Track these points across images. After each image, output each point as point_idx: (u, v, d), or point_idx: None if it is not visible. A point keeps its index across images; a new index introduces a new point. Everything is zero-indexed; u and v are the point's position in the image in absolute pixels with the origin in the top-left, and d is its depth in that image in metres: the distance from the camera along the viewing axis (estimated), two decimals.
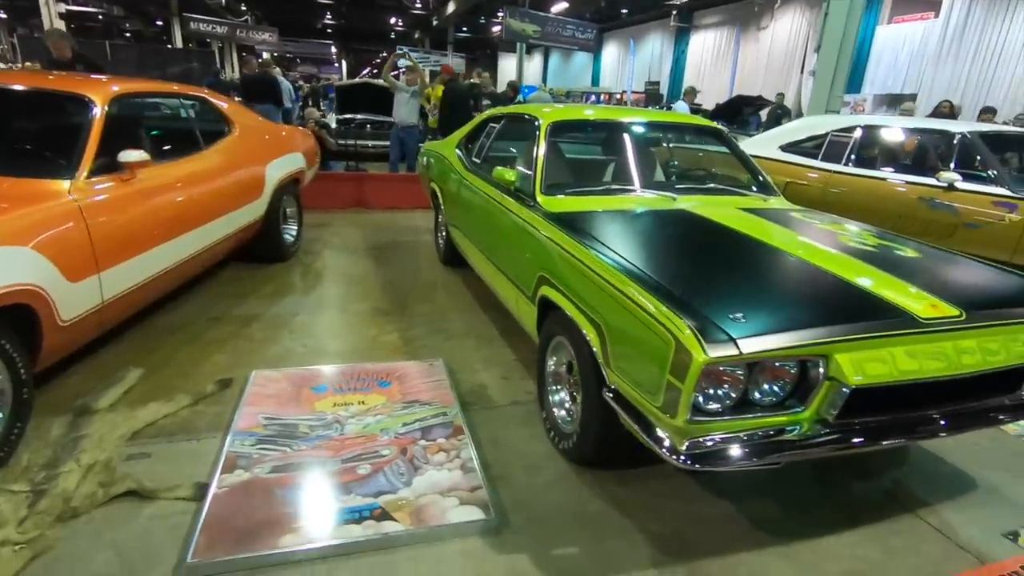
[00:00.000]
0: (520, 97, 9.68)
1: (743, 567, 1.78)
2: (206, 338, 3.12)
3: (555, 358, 2.37)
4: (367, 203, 6.80)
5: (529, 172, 2.88)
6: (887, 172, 4.52)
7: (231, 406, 2.44)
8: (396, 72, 8.53)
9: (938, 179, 4.07)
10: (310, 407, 2.45)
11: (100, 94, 2.67)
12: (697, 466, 1.56)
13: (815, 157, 4.99)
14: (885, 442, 1.69)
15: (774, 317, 1.63)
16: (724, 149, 3.42)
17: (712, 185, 3.07)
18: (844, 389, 1.58)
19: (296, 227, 4.78)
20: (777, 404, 1.65)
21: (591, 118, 3.38)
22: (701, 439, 1.60)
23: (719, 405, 1.59)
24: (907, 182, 4.34)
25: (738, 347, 1.49)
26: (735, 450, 1.59)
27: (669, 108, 11.86)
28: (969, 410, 1.79)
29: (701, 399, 1.56)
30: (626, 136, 3.29)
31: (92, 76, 3.35)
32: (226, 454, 2.09)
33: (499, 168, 2.96)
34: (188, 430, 2.29)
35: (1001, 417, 1.85)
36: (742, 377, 1.58)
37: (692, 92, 10.98)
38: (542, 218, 2.53)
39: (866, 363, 1.59)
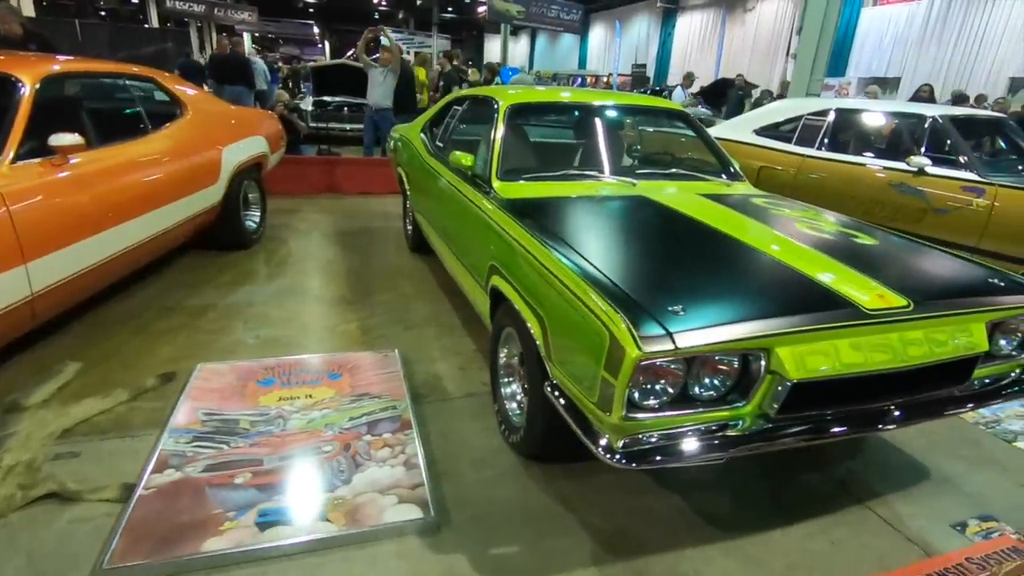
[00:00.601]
0: (497, 79, 9.47)
1: (686, 563, 1.74)
2: (154, 329, 3.01)
3: (506, 349, 2.30)
4: (339, 188, 6.66)
5: (486, 157, 2.79)
6: (859, 157, 4.47)
7: (172, 401, 2.35)
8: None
9: (908, 164, 4.03)
10: (254, 401, 2.37)
11: (29, 74, 2.52)
12: (633, 465, 1.51)
13: (789, 141, 4.93)
14: (828, 436, 1.64)
15: (715, 310, 1.56)
16: (690, 132, 3.34)
17: (675, 170, 2.99)
18: (785, 383, 1.53)
19: (259, 213, 4.65)
20: (718, 399, 1.59)
21: (552, 101, 3.28)
22: (640, 436, 1.55)
23: (657, 401, 1.53)
24: (878, 167, 4.29)
25: (674, 342, 1.43)
26: (673, 447, 1.54)
27: (669, 95, 11.69)
28: (917, 402, 1.75)
29: (637, 395, 1.50)
30: (588, 120, 3.20)
31: (26, 55, 3.18)
32: (159, 453, 2.01)
33: (456, 152, 2.87)
34: (123, 427, 2.21)
35: (950, 408, 1.81)
36: (681, 372, 1.52)
37: (690, 78, 10.80)
38: (495, 205, 2.44)
39: (808, 356, 1.54)
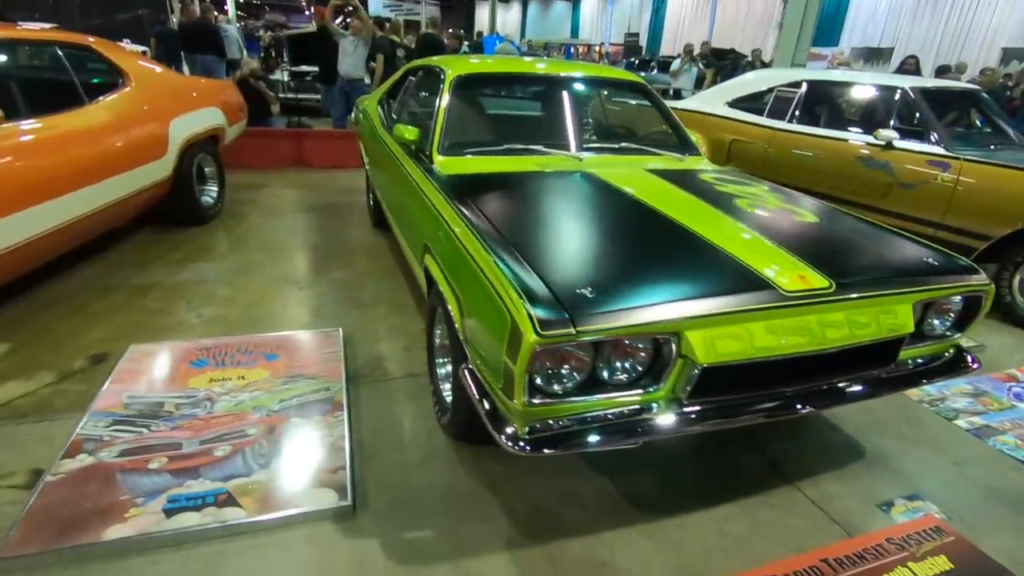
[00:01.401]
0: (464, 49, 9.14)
1: (603, 547, 1.72)
2: (92, 310, 2.94)
3: (439, 330, 2.25)
4: (308, 162, 6.52)
5: (431, 130, 2.69)
6: (829, 130, 4.38)
7: (100, 383, 2.30)
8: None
9: (875, 137, 3.95)
10: (183, 384, 2.32)
11: None
12: (542, 451, 1.47)
13: (761, 114, 4.83)
14: (743, 420, 1.61)
15: (626, 293, 1.51)
16: (648, 105, 3.24)
17: (627, 145, 2.90)
18: (696, 368, 1.49)
19: (217, 188, 4.54)
20: (631, 383, 1.55)
21: (502, 72, 3.16)
22: (549, 421, 1.51)
23: (565, 386, 1.49)
24: (846, 140, 4.21)
25: (575, 326, 1.38)
26: (582, 434, 1.50)
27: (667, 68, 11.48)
28: (838, 384, 1.72)
29: (541, 380, 1.46)
30: (541, 92, 3.10)
31: None
32: (74, 437, 1.96)
33: (400, 125, 2.77)
34: (44, 411, 2.15)
35: (874, 391, 1.78)
36: (588, 357, 1.48)
37: (689, 50, 10.55)
38: (431, 181, 2.36)
39: (719, 340, 1.49)
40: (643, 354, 1.53)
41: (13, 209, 2.49)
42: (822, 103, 4.63)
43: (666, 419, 1.55)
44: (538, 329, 1.36)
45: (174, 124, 3.78)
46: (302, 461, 1.92)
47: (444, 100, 2.76)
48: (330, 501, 1.77)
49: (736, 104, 5.05)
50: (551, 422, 1.52)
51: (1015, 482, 2.13)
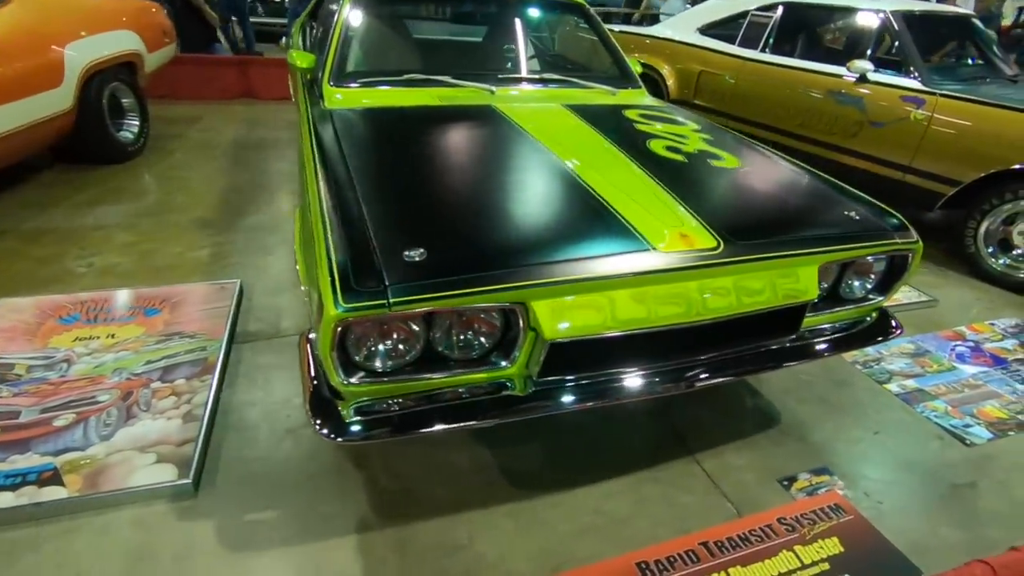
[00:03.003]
0: None
1: (462, 528, 1.58)
2: None
3: None
4: (256, 93, 6.09)
5: (324, 55, 2.37)
6: (801, 61, 3.99)
7: None
8: None
9: (849, 69, 3.59)
10: (44, 342, 2.12)
11: None
12: (355, 440, 1.28)
13: (732, 41, 4.41)
14: (609, 401, 1.42)
15: (464, 256, 1.28)
16: (588, 29, 2.88)
17: (549, 76, 2.57)
18: (544, 343, 1.28)
19: (139, 122, 4.19)
20: (479, 360, 1.35)
21: None
22: (385, 402, 1.32)
23: (396, 363, 1.29)
24: (818, 72, 3.83)
25: (388, 299, 1.16)
26: (418, 418, 1.32)
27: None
28: (729, 358, 1.52)
29: (364, 357, 1.25)
30: (461, 13, 2.74)
31: None
32: None
33: (294, 51, 2.45)
34: None
35: (773, 363, 1.59)
36: (418, 330, 1.27)
37: None
38: (313, 116, 2.07)
39: (572, 311, 1.28)
40: (489, 327, 1.33)
41: None
42: (798, 30, 4.22)
43: (519, 400, 1.36)
44: (339, 301, 1.14)
45: (71, 48, 3.40)
46: (148, 432, 1.75)
47: (341, 18, 2.42)
48: (168, 478, 1.61)
49: (708, 31, 4.61)
50: (388, 402, 1.33)
51: (933, 453, 1.98)
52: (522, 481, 1.75)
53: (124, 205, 3.41)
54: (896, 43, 3.58)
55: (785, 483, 1.81)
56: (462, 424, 1.33)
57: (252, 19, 8.34)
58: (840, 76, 3.68)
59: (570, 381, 1.38)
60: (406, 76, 2.34)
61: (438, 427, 1.31)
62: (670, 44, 4.69)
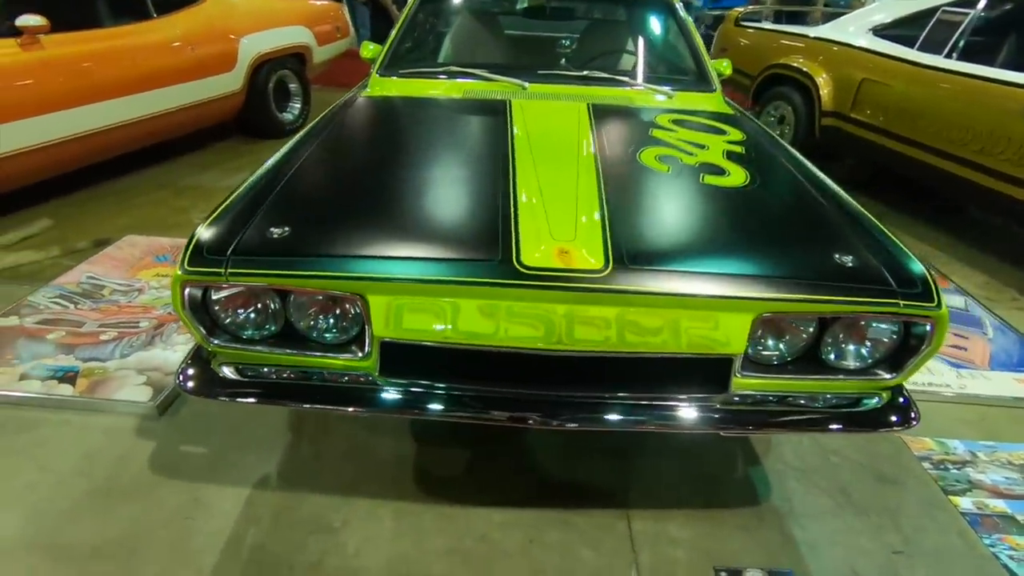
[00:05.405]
0: None
1: (340, 514, 1.57)
2: (135, 202, 3.44)
3: None
4: None
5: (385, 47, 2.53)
6: (995, 70, 3.10)
7: (80, 262, 2.71)
8: None
9: None
10: (134, 273, 2.62)
11: None
12: (201, 394, 1.36)
13: (912, 44, 3.60)
14: (457, 418, 1.28)
15: (322, 240, 1.29)
16: (672, 28, 2.61)
17: (597, 74, 2.35)
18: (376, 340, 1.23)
19: (300, 105, 4.87)
20: (339, 345, 1.34)
21: None
22: (258, 368, 1.39)
23: (257, 332, 1.34)
24: (1012, 83, 2.94)
25: (224, 268, 1.22)
26: (271, 388, 1.36)
27: None
28: (617, 404, 1.28)
29: (227, 321, 1.33)
30: (534, 9, 2.68)
31: None
32: (22, 301, 2.35)
33: (366, 42, 2.66)
34: (32, 277, 2.61)
35: (682, 423, 1.28)
36: (271, 304, 1.31)
37: None
38: (344, 99, 2.23)
39: (408, 313, 1.20)
40: (345, 314, 1.31)
41: (68, 105, 2.96)
42: (1000, 31, 3.29)
43: (368, 395, 1.32)
44: (185, 263, 1.23)
45: (245, 40, 4.09)
46: (153, 358, 2.07)
47: (409, 10, 2.55)
48: (142, 399, 1.89)
49: (883, 32, 3.83)
50: (260, 369, 1.39)
51: None
52: (428, 482, 1.70)
53: None
54: None
55: (723, 574, 1.48)
56: (308, 404, 1.35)
57: None
58: None
59: (414, 386, 1.29)
60: (443, 68, 2.38)
61: (285, 401, 1.35)
62: (831, 46, 3.99)
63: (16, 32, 2.81)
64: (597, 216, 1.34)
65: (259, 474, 1.69)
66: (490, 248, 1.23)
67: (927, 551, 1.57)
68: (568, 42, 2.51)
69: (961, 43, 3.32)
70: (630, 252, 1.22)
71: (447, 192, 1.56)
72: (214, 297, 1.29)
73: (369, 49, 2.59)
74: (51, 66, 2.95)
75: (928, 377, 2.24)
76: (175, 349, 2.13)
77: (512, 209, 1.37)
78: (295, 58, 4.68)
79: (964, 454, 1.90)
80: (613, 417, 1.26)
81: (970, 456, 1.90)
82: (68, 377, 1.96)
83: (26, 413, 1.85)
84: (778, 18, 5.91)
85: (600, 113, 2.02)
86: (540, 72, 2.33)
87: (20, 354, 2.06)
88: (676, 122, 2.01)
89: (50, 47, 2.94)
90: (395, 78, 2.37)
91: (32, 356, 2.05)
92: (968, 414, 2.12)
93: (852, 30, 3.97)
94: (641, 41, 2.66)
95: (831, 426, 1.35)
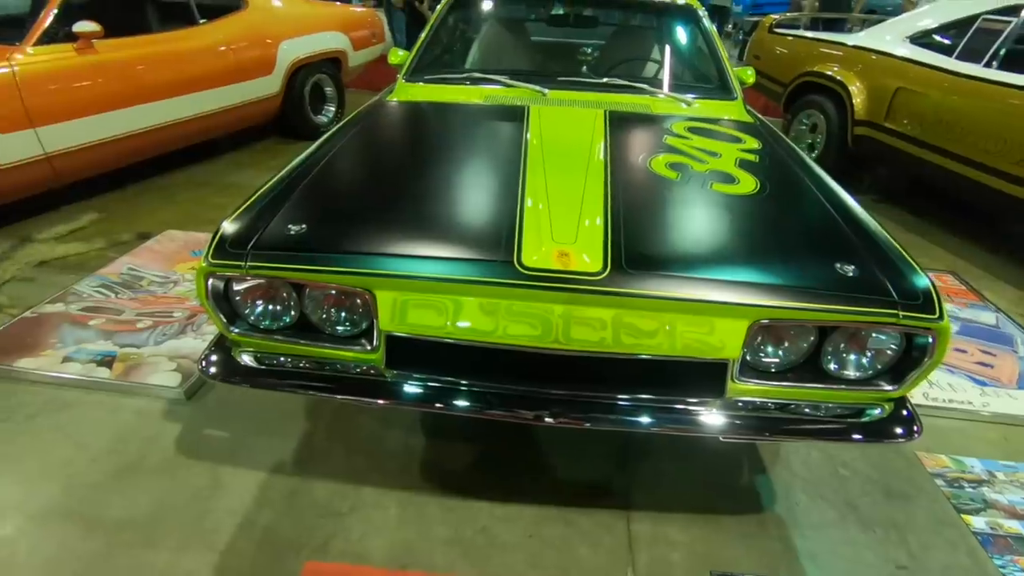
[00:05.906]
0: None
1: (349, 501, 1.64)
2: (178, 198, 3.62)
3: None
4: None
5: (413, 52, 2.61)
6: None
7: (123, 254, 2.87)
8: None
9: None
10: (172, 266, 2.77)
11: None
12: (222, 379, 1.44)
13: (950, 54, 3.50)
14: (461, 413, 1.33)
15: (335, 238, 1.36)
16: (695, 35, 2.62)
17: (617, 81, 2.38)
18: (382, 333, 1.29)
19: (335, 108, 5.02)
20: (350, 338, 1.41)
21: None
22: (274, 356, 1.48)
23: (275, 323, 1.42)
24: None
25: (244, 261, 1.30)
26: (283, 374, 1.43)
27: None
28: (618, 402, 1.31)
29: (246, 311, 1.42)
30: (559, 16, 2.73)
31: None
32: (69, 289, 2.52)
33: (394, 48, 2.75)
34: (78, 268, 2.77)
35: (674, 425, 1.31)
36: (288, 296, 1.39)
37: None
38: (382, 108, 2.31)
39: (413, 308, 1.26)
40: (356, 308, 1.38)
41: (116, 107, 3.16)
42: None
43: (375, 386, 1.39)
44: (209, 256, 1.32)
45: (284, 45, 4.26)
46: (183, 347, 2.19)
47: (438, 17, 2.63)
48: (172, 384, 2.00)
49: (920, 40, 3.74)
50: (276, 357, 1.47)
51: None
52: (433, 474, 1.75)
53: None
54: None
55: None
56: (320, 392, 1.42)
57: None
58: None
59: (419, 380, 1.35)
60: (466, 75, 2.44)
61: (297, 388, 1.42)
62: (867, 54, 3.91)
63: (72, 37, 3.00)
64: (600, 220, 1.38)
65: (275, 459, 1.78)
66: (492, 249, 1.28)
67: (933, 568, 1.55)
68: (590, 49, 2.54)
69: (1002, 52, 3.23)
70: (629, 256, 1.25)
71: (458, 195, 1.62)
72: (235, 288, 1.38)
73: (397, 55, 2.68)
74: (104, 69, 3.14)
75: (949, 393, 2.18)
76: (205, 338, 2.24)
77: (518, 212, 1.41)
78: (331, 62, 4.83)
79: (981, 473, 1.86)
80: (610, 416, 1.30)
81: (987, 475, 1.85)
82: (106, 361, 2.09)
83: (66, 393, 1.99)
84: (815, 25, 5.79)
85: (616, 120, 2.05)
86: (561, 79, 2.38)
87: (64, 338, 2.21)
88: (692, 130, 2.02)
89: (104, 51, 3.13)
90: (420, 84, 2.45)
91: (75, 341, 2.19)
92: (990, 433, 2.07)
93: (889, 39, 3.88)
94: (663, 49, 2.67)
95: (832, 435, 1.35)
